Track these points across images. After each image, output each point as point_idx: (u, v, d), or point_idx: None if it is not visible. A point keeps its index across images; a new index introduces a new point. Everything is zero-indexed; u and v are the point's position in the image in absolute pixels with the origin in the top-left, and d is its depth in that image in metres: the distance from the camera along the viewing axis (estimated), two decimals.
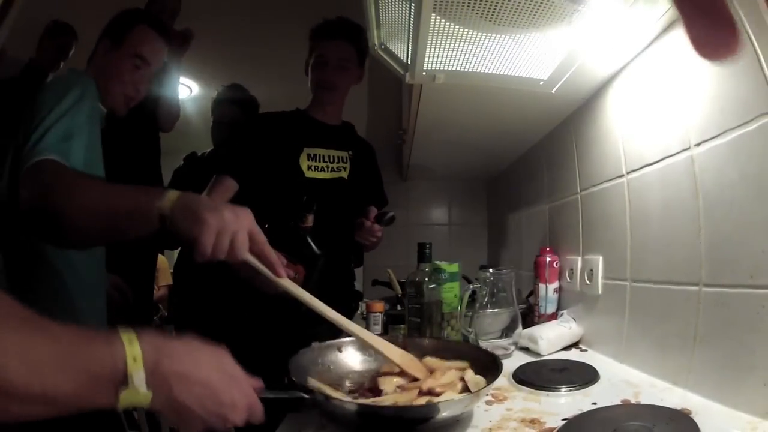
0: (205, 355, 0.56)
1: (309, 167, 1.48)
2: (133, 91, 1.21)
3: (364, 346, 0.88)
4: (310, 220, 1.09)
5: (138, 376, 0.49)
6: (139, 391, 0.49)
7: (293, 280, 0.94)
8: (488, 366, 0.80)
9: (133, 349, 0.50)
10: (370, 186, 1.63)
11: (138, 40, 1.20)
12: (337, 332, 0.92)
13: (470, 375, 0.80)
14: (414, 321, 1.18)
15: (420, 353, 0.88)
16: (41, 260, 1.03)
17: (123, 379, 0.49)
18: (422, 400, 0.73)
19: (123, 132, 2.05)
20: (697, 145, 0.81)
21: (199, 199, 0.74)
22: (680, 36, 0.86)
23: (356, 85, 1.59)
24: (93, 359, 0.48)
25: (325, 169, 1.51)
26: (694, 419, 0.67)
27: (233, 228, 0.70)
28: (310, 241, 1.09)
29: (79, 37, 2.04)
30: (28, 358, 0.44)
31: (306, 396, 0.69)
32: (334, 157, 1.53)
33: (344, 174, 1.53)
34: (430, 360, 0.86)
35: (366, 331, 0.86)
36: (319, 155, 1.51)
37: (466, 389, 0.77)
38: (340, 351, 0.90)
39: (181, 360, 0.53)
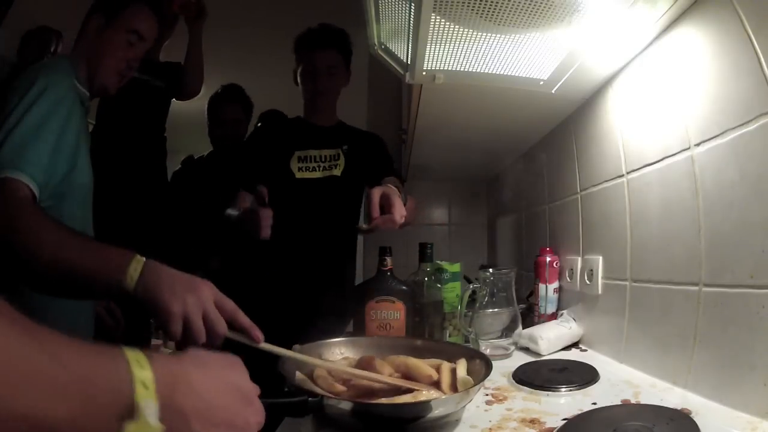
0: (221, 377, 0.49)
1: (300, 168, 1.54)
2: (125, 68, 1.18)
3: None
4: (388, 262, 1.16)
5: (149, 406, 0.41)
6: (149, 424, 0.41)
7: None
8: (479, 365, 0.81)
9: (143, 373, 0.41)
10: (373, 169, 1.58)
11: (133, 17, 1.18)
12: (323, 335, 0.95)
13: (461, 374, 0.80)
14: (414, 321, 1.18)
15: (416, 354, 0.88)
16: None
17: (129, 409, 0.40)
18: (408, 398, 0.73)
19: (127, 127, 2.06)
20: (697, 145, 0.81)
21: (160, 277, 0.70)
22: (680, 36, 0.86)
23: (356, 86, 1.63)
24: (92, 379, 0.39)
25: (317, 168, 1.56)
26: (694, 419, 0.66)
27: (199, 308, 0.68)
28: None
29: (66, 35, 2.05)
30: (11, 369, 0.35)
31: (310, 398, 0.68)
32: (325, 156, 1.58)
33: (337, 171, 1.57)
34: (402, 357, 0.86)
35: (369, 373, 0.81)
36: (311, 156, 1.56)
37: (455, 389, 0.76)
38: (321, 356, 0.89)
39: (199, 389, 0.45)
